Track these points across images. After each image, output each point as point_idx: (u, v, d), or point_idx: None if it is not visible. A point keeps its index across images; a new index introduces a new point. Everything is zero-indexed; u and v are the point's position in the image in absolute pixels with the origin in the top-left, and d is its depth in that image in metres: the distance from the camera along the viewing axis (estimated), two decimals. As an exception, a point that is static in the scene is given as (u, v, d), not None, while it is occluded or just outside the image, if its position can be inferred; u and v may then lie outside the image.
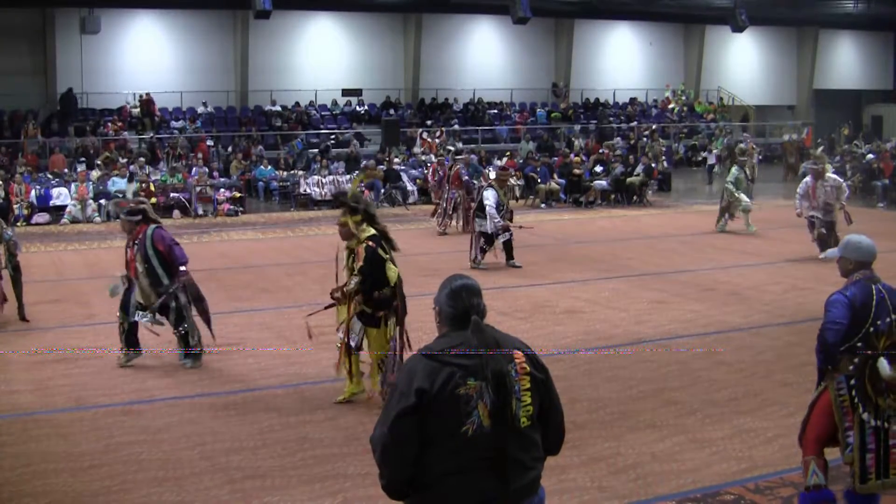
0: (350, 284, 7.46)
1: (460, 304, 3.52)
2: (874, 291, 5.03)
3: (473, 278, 3.65)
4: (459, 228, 18.45)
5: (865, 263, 5.15)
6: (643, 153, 26.61)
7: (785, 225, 18.95)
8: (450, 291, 3.57)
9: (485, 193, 14.46)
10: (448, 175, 19.49)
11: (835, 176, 14.96)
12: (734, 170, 18.08)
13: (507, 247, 14.35)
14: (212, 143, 27.99)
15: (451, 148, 24.67)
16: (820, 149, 22.18)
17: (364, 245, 7.42)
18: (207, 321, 9.13)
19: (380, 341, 7.57)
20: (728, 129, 34.90)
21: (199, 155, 25.44)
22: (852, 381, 5.00)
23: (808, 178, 14.86)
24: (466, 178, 19.05)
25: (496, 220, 13.99)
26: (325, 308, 8.11)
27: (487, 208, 14.05)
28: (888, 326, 5.00)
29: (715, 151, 30.24)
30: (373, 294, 7.46)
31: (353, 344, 7.63)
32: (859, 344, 4.96)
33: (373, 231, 7.53)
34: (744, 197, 17.82)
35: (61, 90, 28.94)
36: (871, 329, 4.95)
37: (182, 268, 8.89)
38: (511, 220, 14.56)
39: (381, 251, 7.41)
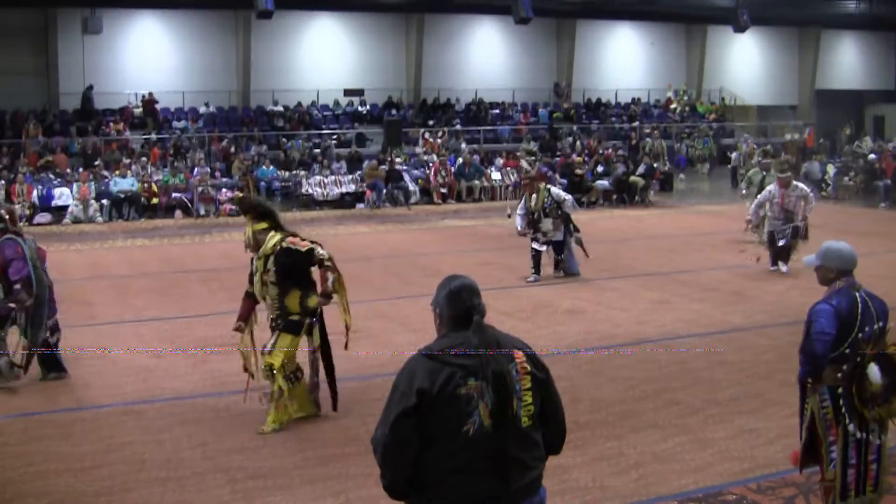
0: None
1: (460, 305, 3.52)
2: (858, 299, 4.90)
3: (471, 278, 3.64)
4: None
5: (847, 271, 4.99)
6: (645, 153, 26.61)
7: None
8: (449, 292, 3.56)
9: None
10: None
11: (801, 185, 14.11)
12: (751, 171, 17.10)
13: (535, 259, 13.28)
14: (225, 144, 28.04)
15: (527, 147, 23.49)
16: (783, 155, 21.65)
17: (290, 237, 7.13)
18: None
19: (289, 348, 7.16)
20: (709, 129, 34.77)
21: (201, 155, 25.42)
22: (839, 391, 4.87)
23: (772, 188, 13.76)
24: (550, 174, 18.56)
25: (518, 228, 13.33)
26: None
27: (517, 217, 13.49)
28: (874, 334, 4.88)
29: (736, 153, 29.76)
30: (305, 302, 7.13)
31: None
32: (847, 351, 4.84)
33: (281, 235, 7.19)
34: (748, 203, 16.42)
35: (63, 90, 29.01)
36: (860, 335, 4.83)
37: (16, 286, 8.15)
38: (533, 229, 13.20)
39: (307, 241, 7.14)
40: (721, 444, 6.80)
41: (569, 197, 13.65)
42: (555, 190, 13.70)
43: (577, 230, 13.48)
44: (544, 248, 13.25)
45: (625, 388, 8.16)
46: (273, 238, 7.19)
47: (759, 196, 14.10)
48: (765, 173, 16.43)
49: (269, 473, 6.34)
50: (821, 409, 4.94)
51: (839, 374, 4.86)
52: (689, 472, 6.27)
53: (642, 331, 10.29)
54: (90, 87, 28.77)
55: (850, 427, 4.85)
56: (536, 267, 13.23)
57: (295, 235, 7.28)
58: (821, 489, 5.18)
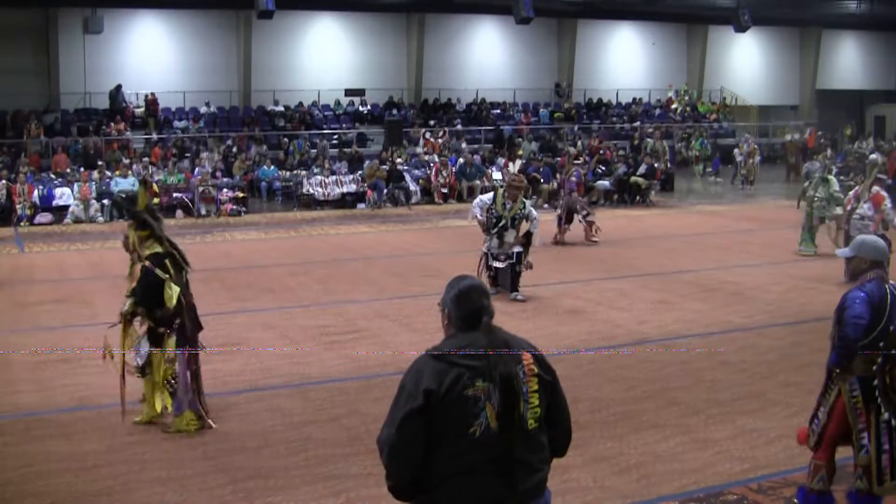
0: (124, 306, 7.16)
1: (469, 306, 3.50)
2: (888, 290, 5.09)
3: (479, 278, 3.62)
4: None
5: (880, 263, 5.20)
6: (646, 153, 26.60)
7: (788, 225, 18.94)
8: (458, 293, 3.54)
9: (483, 195, 12.96)
10: (566, 179, 17.44)
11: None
12: (833, 179, 15.14)
13: (511, 275, 12.04)
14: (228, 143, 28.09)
15: (572, 149, 22.06)
16: (873, 156, 20.25)
17: (141, 265, 7.13)
18: None
19: (161, 359, 7.20)
20: (704, 130, 34.75)
21: (214, 156, 25.47)
22: (874, 382, 5.05)
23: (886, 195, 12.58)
24: (575, 180, 17.41)
25: (477, 216, 12.16)
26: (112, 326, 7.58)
27: (472, 211, 12.34)
28: None
29: (737, 151, 29.24)
30: (155, 312, 7.14)
31: (140, 364, 7.26)
32: (880, 343, 5.02)
33: (157, 249, 7.18)
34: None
35: (64, 90, 29.04)
36: (892, 328, 5.01)
37: None
38: (499, 241, 12.03)
39: (159, 271, 7.08)
40: (722, 444, 6.80)
41: (537, 217, 12.42)
42: (529, 203, 12.62)
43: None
44: (504, 265, 12.03)
45: (625, 389, 8.15)
46: (152, 248, 7.22)
47: (888, 204, 12.62)
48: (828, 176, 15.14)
49: (270, 473, 6.33)
50: (851, 398, 5.11)
51: (874, 367, 5.04)
52: (690, 473, 6.27)
53: (643, 331, 10.28)
54: (118, 87, 28.89)
55: (885, 415, 5.04)
56: (494, 283, 12.01)
57: (167, 253, 7.24)
58: (810, 466, 5.37)
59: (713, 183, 29.17)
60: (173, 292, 7.11)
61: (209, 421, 7.30)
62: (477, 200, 12.55)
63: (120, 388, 7.19)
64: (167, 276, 7.14)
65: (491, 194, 12.45)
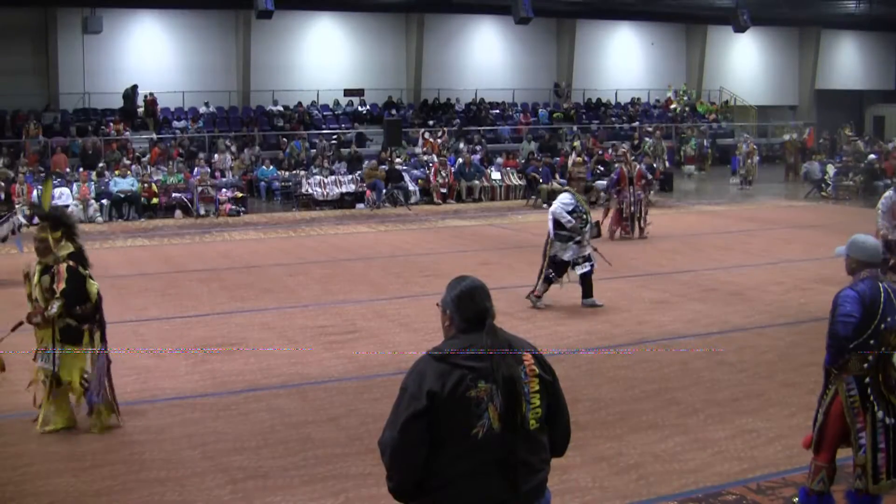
0: (52, 308, 7.09)
1: (473, 308, 3.48)
2: (881, 289, 5.11)
3: (480, 279, 3.61)
4: (634, 234, 17.53)
5: (870, 263, 5.21)
6: (645, 153, 26.59)
7: (787, 225, 18.97)
8: (461, 293, 3.52)
9: (560, 198, 11.60)
10: (629, 175, 17.59)
11: None
12: None
13: (585, 281, 11.53)
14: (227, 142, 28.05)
15: (623, 147, 21.62)
16: (872, 156, 19.81)
17: (65, 265, 7.14)
18: None
19: (78, 359, 7.26)
20: (693, 130, 34.61)
21: (217, 156, 25.47)
22: (866, 380, 5.08)
23: (890, 192, 12.10)
24: (650, 177, 17.60)
25: (567, 220, 11.24)
26: (13, 329, 7.61)
27: (563, 218, 11.23)
28: (895, 324, 5.08)
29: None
30: (75, 309, 7.18)
31: (52, 368, 7.23)
32: (872, 342, 5.04)
33: (72, 248, 7.26)
34: None
35: (63, 90, 29.02)
36: (883, 326, 5.03)
37: None
38: (597, 234, 11.75)
39: (81, 269, 7.20)
40: (721, 444, 6.81)
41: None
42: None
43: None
44: (586, 269, 11.49)
45: (625, 388, 8.16)
46: (67, 247, 7.28)
47: (880, 204, 12.21)
48: None
49: (269, 473, 6.34)
50: (848, 398, 5.14)
51: (865, 365, 5.07)
52: (689, 473, 6.28)
53: (642, 331, 10.29)
54: (135, 87, 28.90)
55: (879, 414, 5.07)
56: (588, 288, 11.52)
57: (79, 252, 7.32)
58: (811, 467, 5.38)
59: (734, 184, 28.85)
60: (94, 287, 7.24)
61: (119, 417, 7.34)
62: (560, 206, 11.33)
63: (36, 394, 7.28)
64: (87, 271, 7.28)
65: (568, 195, 11.50)
